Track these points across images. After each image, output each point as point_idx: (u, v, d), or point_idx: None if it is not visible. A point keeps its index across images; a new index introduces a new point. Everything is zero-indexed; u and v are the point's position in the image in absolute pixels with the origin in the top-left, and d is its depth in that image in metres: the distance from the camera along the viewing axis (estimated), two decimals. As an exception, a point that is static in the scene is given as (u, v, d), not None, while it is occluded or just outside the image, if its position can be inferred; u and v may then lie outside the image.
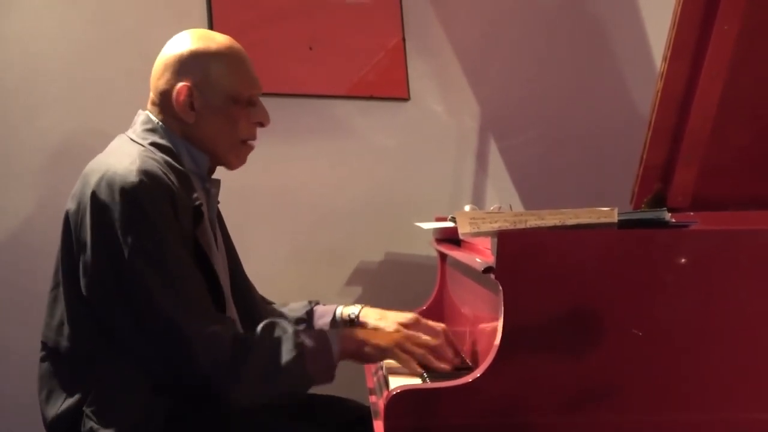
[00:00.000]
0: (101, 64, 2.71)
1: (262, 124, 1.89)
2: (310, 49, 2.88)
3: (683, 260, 1.48)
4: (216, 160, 1.87)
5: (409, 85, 2.98)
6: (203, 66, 1.79)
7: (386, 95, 2.96)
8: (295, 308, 2.14)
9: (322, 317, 2.11)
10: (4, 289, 2.61)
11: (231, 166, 1.90)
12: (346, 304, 2.11)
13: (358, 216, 2.93)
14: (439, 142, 3.03)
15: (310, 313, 2.11)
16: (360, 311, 2.06)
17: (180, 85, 1.78)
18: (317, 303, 2.16)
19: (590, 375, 1.48)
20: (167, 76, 1.80)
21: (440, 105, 3.04)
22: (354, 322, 2.05)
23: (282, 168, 2.86)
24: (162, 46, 1.86)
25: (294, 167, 2.88)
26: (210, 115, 1.80)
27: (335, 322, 2.08)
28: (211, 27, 2.72)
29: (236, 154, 1.88)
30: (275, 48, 2.82)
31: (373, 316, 2.03)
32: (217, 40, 1.84)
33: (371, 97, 2.94)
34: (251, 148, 1.91)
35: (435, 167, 3.02)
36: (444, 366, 1.79)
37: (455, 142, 3.06)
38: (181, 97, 1.78)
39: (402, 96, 2.97)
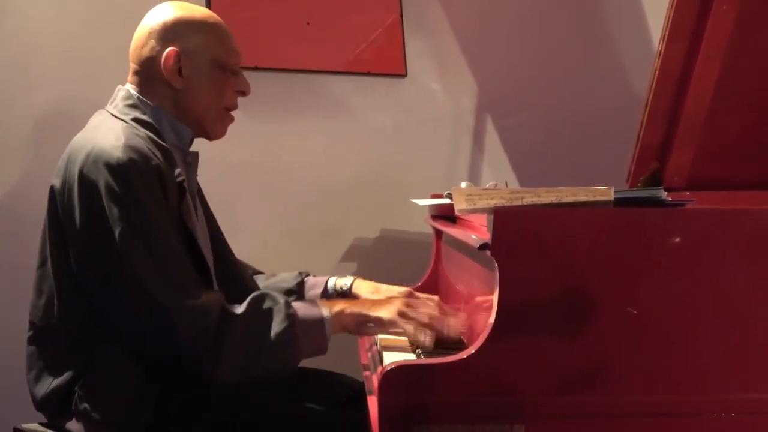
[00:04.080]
0: (95, 39, 2.69)
1: (243, 93, 1.90)
2: (308, 24, 2.87)
3: (679, 239, 1.49)
4: (199, 130, 1.87)
5: (406, 63, 2.98)
6: (190, 32, 1.80)
7: (383, 72, 2.95)
8: (285, 278, 2.13)
9: (313, 288, 2.10)
10: (3, 264, 2.61)
11: (214, 136, 1.90)
12: (339, 276, 2.11)
13: (354, 192, 2.93)
14: (435, 120, 3.03)
15: (300, 285, 2.11)
16: (353, 283, 2.06)
17: (168, 50, 1.78)
18: (308, 274, 2.15)
19: (585, 353, 1.49)
20: (152, 43, 1.80)
21: (437, 83, 3.04)
22: (346, 295, 2.05)
23: (277, 144, 2.85)
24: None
25: (290, 143, 2.88)
26: (198, 80, 1.81)
27: (327, 293, 2.08)
28: (208, 3, 2.71)
29: (219, 122, 1.88)
30: (273, 23, 2.81)
31: (365, 289, 2.04)
32: (199, 9, 1.87)
33: (368, 74, 2.93)
34: (232, 119, 1.91)
35: (431, 145, 3.02)
36: (449, 333, 1.77)
37: (452, 120, 3.06)
38: (170, 62, 1.78)
39: (399, 73, 2.97)
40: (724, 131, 1.89)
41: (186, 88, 1.80)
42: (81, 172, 1.62)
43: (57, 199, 1.68)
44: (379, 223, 2.96)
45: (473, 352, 1.46)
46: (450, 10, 3.03)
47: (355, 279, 2.08)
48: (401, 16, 2.97)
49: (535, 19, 3.10)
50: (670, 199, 1.49)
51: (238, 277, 2.02)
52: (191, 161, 1.88)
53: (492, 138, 3.08)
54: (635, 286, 1.49)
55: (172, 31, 1.79)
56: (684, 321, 1.50)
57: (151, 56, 1.80)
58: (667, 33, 1.79)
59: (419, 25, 3.00)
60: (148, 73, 1.81)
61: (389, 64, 2.96)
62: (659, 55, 1.81)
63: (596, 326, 1.49)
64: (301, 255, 2.84)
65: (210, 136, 1.90)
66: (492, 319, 1.47)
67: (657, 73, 1.82)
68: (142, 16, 1.87)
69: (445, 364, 1.47)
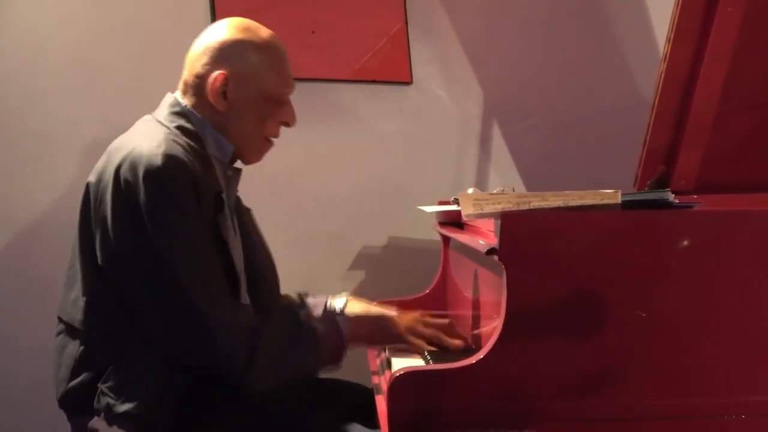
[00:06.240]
0: (103, 48, 2.71)
1: (287, 124, 1.91)
2: (313, 33, 2.88)
3: (687, 241, 1.48)
4: (236, 152, 1.88)
5: (411, 70, 2.98)
6: (244, 57, 1.80)
7: (389, 79, 2.96)
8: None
9: (315, 309, 2.10)
10: (7, 275, 2.62)
11: (248, 161, 1.92)
12: (333, 295, 2.10)
13: (361, 200, 2.93)
14: (442, 127, 3.03)
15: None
16: (345, 305, 2.04)
17: (217, 72, 1.78)
18: (306, 294, 2.15)
19: (593, 357, 1.48)
20: (205, 60, 1.80)
21: (443, 90, 3.04)
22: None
23: (284, 152, 2.83)
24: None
25: (296, 151, 2.87)
26: (241, 107, 1.81)
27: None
28: (213, 11, 2.72)
29: (257, 150, 1.89)
30: (278, 31, 2.75)
31: (357, 309, 2.01)
32: (261, 34, 1.84)
33: (374, 81, 2.94)
34: (271, 145, 1.92)
35: (438, 152, 3.02)
36: (456, 342, 1.83)
37: (458, 127, 3.06)
38: (217, 84, 1.78)
39: (405, 80, 2.97)
40: (732, 133, 1.88)
41: (228, 111, 1.80)
42: (117, 172, 1.63)
43: (91, 194, 1.69)
44: (386, 231, 2.96)
45: (482, 357, 1.46)
46: (455, 16, 3.04)
47: (348, 300, 2.06)
48: (406, 23, 2.97)
49: (540, 24, 3.11)
50: (677, 201, 1.48)
51: (266, 295, 2.01)
52: (232, 175, 1.89)
53: (498, 143, 3.08)
54: (644, 288, 1.48)
55: (227, 53, 1.79)
56: (693, 323, 1.49)
57: (202, 73, 1.80)
58: (672, 35, 1.79)
59: (424, 32, 3.01)
60: (196, 87, 1.81)
61: (395, 72, 2.97)
62: (665, 57, 1.81)
63: (605, 329, 1.48)
64: (309, 263, 2.84)
65: (244, 161, 1.92)
66: (501, 324, 1.47)
67: (663, 75, 1.81)
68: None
69: (454, 369, 1.46)
